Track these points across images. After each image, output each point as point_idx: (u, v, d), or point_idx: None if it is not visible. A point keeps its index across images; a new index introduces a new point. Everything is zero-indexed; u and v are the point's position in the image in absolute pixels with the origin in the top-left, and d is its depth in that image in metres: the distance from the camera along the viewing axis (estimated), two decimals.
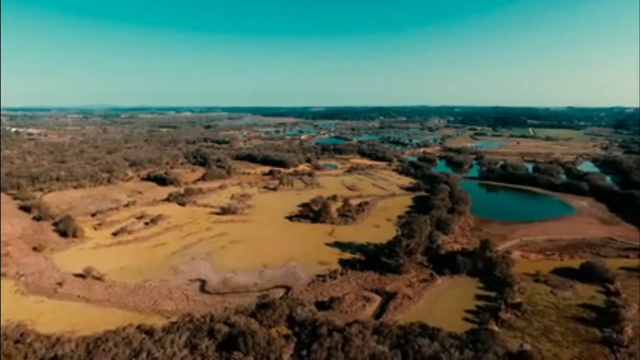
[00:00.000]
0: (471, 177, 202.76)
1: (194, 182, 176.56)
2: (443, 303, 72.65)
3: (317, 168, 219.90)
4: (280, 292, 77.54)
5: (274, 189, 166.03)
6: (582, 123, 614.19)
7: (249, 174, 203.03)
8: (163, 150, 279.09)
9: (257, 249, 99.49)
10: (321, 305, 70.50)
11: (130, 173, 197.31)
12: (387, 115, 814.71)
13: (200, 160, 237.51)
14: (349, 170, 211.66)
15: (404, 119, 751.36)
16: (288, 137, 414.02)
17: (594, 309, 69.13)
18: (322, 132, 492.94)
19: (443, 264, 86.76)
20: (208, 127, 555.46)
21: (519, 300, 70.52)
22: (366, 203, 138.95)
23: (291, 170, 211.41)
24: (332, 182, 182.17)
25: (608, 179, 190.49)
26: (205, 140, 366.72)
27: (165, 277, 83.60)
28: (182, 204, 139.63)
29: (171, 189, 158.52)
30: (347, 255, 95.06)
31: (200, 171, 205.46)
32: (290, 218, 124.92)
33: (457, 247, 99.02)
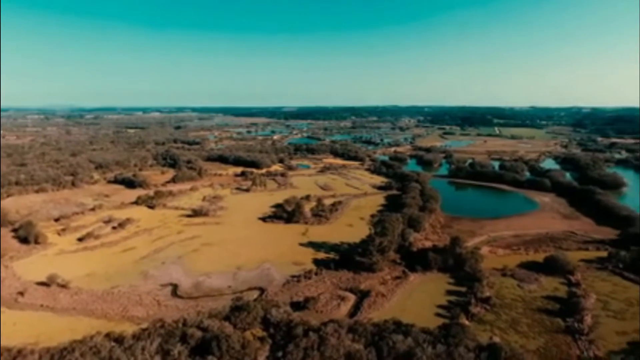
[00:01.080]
0: (441, 175, 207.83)
1: (164, 184, 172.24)
2: (416, 299, 74.13)
3: (290, 168, 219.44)
4: (255, 294, 76.89)
5: (247, 190, 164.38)
6: (544, 122, 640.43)
7: (220, 175, 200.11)
8: (131, 151, 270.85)
9: (230, 251, 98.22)
10: (296, 306, 70.46)
11: (96, 176, 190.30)
12: (359, 115, 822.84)
13: (170, 161, 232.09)
14: (322, 170, 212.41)
15: (375, 118, 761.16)
16: (260, 138, 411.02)
17: (557, 300, 72.41)
18: (294, 132, 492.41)
19: (415, 261, 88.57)
20: (178, 127, 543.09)
21: (488, 294, 72.86)
22: (339, 202, 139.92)
23: (264, 170, 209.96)
24: (305, 182, 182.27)
25: (568, 175, 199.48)
26: (175, 141, 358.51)
27: (135, 282, 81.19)
28: (152, 207, 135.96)
29: (140, 192, 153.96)
30: (322, 255, 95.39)
31: (170, 173, 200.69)
32: (263, 219, 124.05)
33: (428, 244, 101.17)
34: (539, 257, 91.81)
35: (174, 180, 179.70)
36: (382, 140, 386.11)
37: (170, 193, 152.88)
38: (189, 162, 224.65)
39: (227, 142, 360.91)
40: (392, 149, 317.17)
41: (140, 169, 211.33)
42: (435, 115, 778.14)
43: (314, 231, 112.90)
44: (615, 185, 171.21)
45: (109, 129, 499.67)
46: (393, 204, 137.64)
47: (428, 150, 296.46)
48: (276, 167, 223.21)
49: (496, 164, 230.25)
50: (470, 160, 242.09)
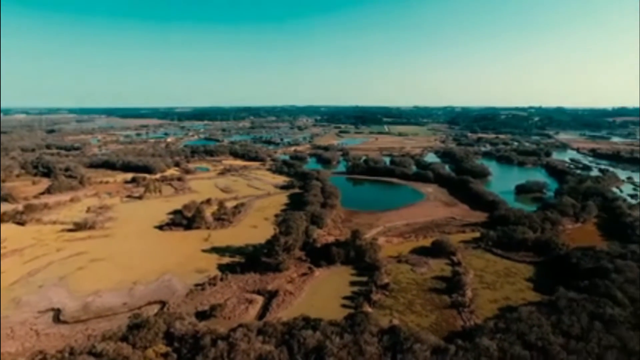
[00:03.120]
0: (339, 172, 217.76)
1: (37, 197, 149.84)
2: (322, 293, 76.70)
3: (188, 172, 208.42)
4: (155, 308, 71.65)
5: (140, 198, 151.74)
6: (425, 120, 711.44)
7: (107, 182, 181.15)
8: None
9: (123, 265, 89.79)
10: (202, 315, 67.61)
11: None
12: (257, 115, 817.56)
13: (43, 170, 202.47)
14: (222, 172, 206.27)
15: (274, 118, 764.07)
16: (152, 140, 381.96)
17: (444, 279, 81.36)
18: (190, 133, 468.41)
19: (320, 256, 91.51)
20: (51, 131, 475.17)
21: (386, 281, 78.67)
22: (242, 204, 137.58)
23: (158, 175, 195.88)
24: (205, 185, 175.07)
25: (447, 167, 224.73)
26: (48, 146, 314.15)
27: (4, 313, 69.42)
28: (22, 223, 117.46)
29: (5, 207, 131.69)
30: (227, 260, 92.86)
31: (43, 183, 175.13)
32: (160, 227, 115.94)
33: (331, 239, 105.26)
34: (427, 242, 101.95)
35: (49, 191, 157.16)
36: (282, 139, 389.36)
37: (46, 206, 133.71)
38: (67, 169, 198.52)
39: (114, 147, 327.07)
40: (292, 148, 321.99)
41: (4, 180, 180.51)
42: (331, 115, 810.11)
43: (217, 236, 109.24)
44: (483, 175, 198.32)
45: None
46: (296, 203, 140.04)
47: (326, 148, 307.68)
48: (172, 172, 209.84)
49: (387, 160, 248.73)
50: (364, 157, 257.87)
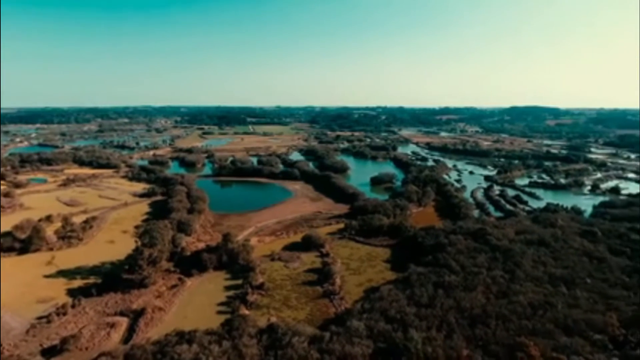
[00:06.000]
0: (205, 175, 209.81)
1: None
2: (196, 303, 73.28)
3: (18, 185, 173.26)
4: None
5: None
6: (288, 120, 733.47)
7: None
8: None
9: None
10: (51, 352, 57.83)
11: None
12: (106, 117, 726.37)
13: None
14: (65, 183, 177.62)
15: (126, 120, 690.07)
16: None
17: (315, 271, 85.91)
18: (17, 139, 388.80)
19: (190, 265, 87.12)
20: None
21: (261, 280, 79.31)
22: (94, 218, 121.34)
23: None
24: (42, 200, 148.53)
25: (311, 164, 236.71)
26: None
27: None
28: None
29: None
30: (78, 283, 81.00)
31: None
32: None
33: (201, 245, 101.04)
34: (298, 237, 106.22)
35: None
36: (137, 143, 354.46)
37: None
38: None
39: None
40: (151, 152, 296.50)
41: None
42: (193, 115, 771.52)
43: (63, 257, 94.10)
44: (343, 170, 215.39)
45: None
46: (159, 211, 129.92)
47: (189, 151, 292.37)
48: None
49: (254, 160, 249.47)
50: (231, 158, 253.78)
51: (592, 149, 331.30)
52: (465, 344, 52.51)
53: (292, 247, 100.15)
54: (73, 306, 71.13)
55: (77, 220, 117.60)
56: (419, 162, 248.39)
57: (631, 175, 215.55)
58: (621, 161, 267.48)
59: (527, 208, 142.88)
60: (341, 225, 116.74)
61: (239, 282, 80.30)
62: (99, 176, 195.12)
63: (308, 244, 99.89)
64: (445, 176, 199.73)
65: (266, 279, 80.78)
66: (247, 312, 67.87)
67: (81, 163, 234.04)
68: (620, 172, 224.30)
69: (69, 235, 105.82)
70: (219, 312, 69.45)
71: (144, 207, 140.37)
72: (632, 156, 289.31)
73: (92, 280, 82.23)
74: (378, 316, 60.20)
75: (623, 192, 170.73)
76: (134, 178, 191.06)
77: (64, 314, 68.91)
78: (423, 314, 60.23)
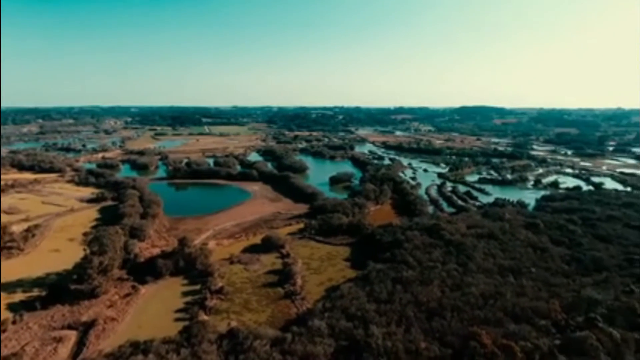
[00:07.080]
0: (159, 178, 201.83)
1: None
2: (151, 312, 70.48)
3: None
4: None
5: None
6: (245, 120, 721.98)
7: None
8: None
9: None
10: None
11: None
12: (48, 118, 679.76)
13: None
14: (3, 190, 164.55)
15: (71, 121, 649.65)
16: None
17: (276, 272, 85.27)
18: None
19: (144, 272, 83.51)
20: None
21: (220, 285, 77.59)
22: (37, 226, 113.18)
23: None
24: None
25: (269, 165, 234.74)
26: None
27: None
28: None
29: None
30: (19, 296, 75.23)
31: None
32: None
33: (156, 251, 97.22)
34: (257, 239, 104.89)
35: None
36: (84, 145, 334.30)
37: None
38: None
39: None
40: (100, 154, 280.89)
41: None
42: (144, 116, 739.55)
43: (2, 270, 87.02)
44: (302, 170, 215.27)
45: None
46: (110, 216, 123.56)
47: (141, 153, 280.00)
48: None
49: (211, 161, 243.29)
50: (186, 160, 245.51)
51: (534, 146, 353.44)
52: (423, 337, 54.35)
53: (251, 249, 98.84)
54: (14, 322, 66.04)
55: (17, 229, 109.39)
56: (376, 161, 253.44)
57: (568, 170, 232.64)
58: (559, 157, 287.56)
59: (477, 203, 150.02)
60: (301, 225, 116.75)
61: (197, 287, 78.22)
62: (41, 181, 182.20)
63: (268, 245, 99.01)
64: (401, 174, 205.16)
65: (226, 283, 79.20)
66: (206, 317, 66.16)
67: (21, 167, 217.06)
68: (558, 167, 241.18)
69: (8, 245, 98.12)
70: (177, 320, 67.21)
71: (92, 213, 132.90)
72: (569, 152, 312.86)
73: (35, 292, 76.66)
74: (339, 314, 60.85)
75: (562, 186, 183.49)
76: (81, 182, 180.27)
77: (4, 331, 63.87)
78: (383, 310, 61.60)
